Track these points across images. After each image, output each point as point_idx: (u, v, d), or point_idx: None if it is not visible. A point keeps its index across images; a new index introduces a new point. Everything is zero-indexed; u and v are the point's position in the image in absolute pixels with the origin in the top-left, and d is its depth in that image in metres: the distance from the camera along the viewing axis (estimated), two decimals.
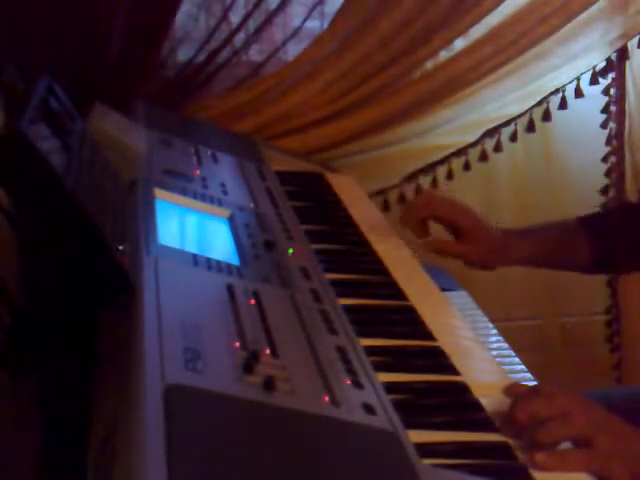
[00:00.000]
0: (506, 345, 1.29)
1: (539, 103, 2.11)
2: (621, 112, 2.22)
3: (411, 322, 1.20)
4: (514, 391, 1.01)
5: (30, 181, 0.95)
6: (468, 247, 1.45)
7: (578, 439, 0.94)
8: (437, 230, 1.51)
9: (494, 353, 1.23)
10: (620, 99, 2.21)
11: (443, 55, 1.99)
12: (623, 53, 2.14)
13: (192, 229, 1.34)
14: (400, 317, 1.22)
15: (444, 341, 1.16)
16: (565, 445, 0.94)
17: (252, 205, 1.43)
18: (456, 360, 1.11)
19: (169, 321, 0.92)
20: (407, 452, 0.87)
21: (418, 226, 1.47)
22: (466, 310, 1.40)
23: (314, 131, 1.94)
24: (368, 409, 0.92)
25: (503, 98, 2.07)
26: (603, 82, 2.16)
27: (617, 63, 2.15)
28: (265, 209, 1.44)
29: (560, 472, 0.90)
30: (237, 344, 0.94)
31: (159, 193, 1.30)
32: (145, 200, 1.26)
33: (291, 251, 1.28)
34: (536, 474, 0.90)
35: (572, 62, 2.08)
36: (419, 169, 2.09)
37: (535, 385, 1.09)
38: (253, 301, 1.06)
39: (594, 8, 2.03)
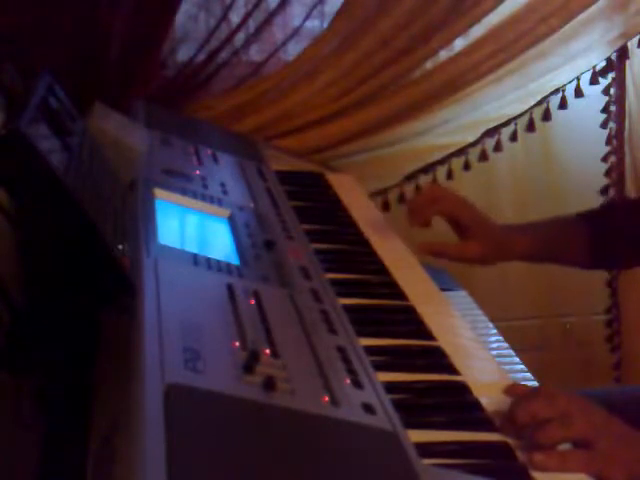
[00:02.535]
0: (506, 345, 1.29)
1: (539, 103, 2.11)
2: (621, 112, 2.22)
3: (411, 322, 1.20)
4: (514, 391, 1.01)
5: (30, 181, 0.94)
6: (468, 245, 1.44)
7: (578, 441, 0.93)
8: (440, 224, 1.50)
9: (494, 353, 1.23)
10: (620, 99, 2.21)
11: (443, 55, 1.99)
12: (623, 53, 2.14)
13: (192, 229, 1.34)
14: (400, 317, 1.22)
15: (444, 341, 1.15)
16: (565, 445, 0.94)
17: (252, 205, 1.43)
18: (456, 360, 1.11)
19: (169, 321, 0.92)
20: (407, 452, 0.87)
21: (424, 222, 1.46)
22: (466, 310, 1.40)
23: (314, 131, 1.94)
24: (368, 409, 0.92)
25: (503, 98, 2.07)
26: (603, 82, 2.16)
27: (617, 63, 2.15)
28: (265, 209, 1.44)
29: (559, 472, 0.90)
30: (237, 344, 0.94)
31: (159, 193, 1.30)
32: (145, 200, 1.26)
33: None
34: (536, 474, 0.89)
35: (572, 62, 2.08)
36: (419, 169, 2.09)
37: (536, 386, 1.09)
38: (253, 301, 1.06)
39: (594, 8, 2.03)
